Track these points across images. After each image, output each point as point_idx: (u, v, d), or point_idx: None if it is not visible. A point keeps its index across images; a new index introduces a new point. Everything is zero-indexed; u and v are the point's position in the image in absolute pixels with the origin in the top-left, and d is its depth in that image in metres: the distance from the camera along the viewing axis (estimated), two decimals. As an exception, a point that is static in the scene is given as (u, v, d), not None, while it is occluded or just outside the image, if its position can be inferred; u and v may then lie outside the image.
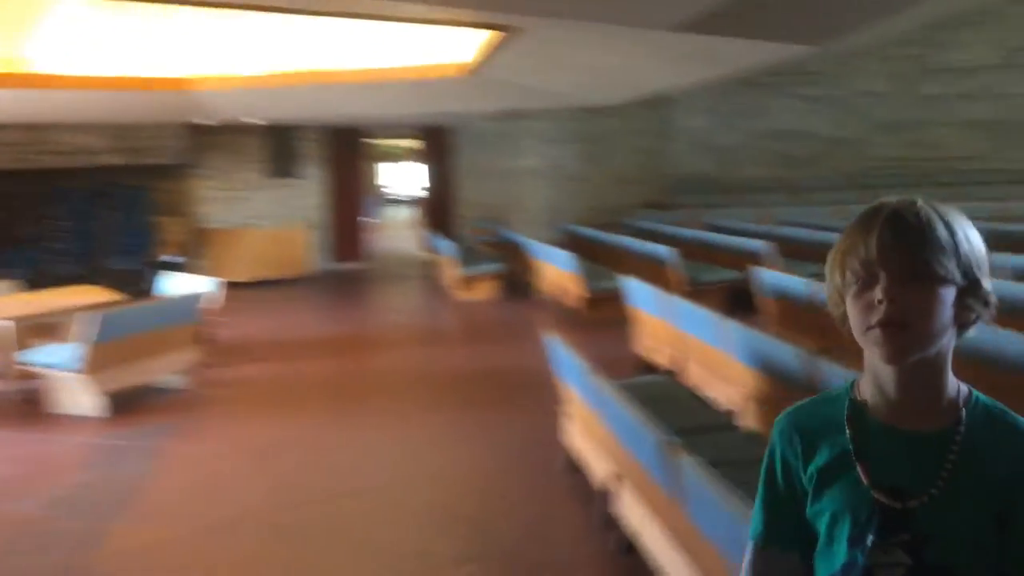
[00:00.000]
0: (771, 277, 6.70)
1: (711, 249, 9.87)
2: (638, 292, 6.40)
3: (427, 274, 13.28)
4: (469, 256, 11.43)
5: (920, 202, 1.13)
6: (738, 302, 8.16)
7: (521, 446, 5.32)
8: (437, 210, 15.28)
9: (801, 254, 9.10)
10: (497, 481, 4.84)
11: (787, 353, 4.01)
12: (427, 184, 15.92)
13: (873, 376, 1.17)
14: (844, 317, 1.16)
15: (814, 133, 14.62)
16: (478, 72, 6.86)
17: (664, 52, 6.20)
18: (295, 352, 8.35)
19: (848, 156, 14.48)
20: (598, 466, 4.01)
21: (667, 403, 4.27)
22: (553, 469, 4.76)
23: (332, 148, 14.65)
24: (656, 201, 14.91)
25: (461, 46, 6.81)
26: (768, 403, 4.37)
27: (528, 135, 14.87)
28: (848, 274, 1.12)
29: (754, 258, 8.41)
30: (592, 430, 4.12)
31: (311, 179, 14.54)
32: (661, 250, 8.75)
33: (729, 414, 4.44)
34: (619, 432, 3.48)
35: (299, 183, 14.42)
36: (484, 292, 10.75)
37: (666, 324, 5.84)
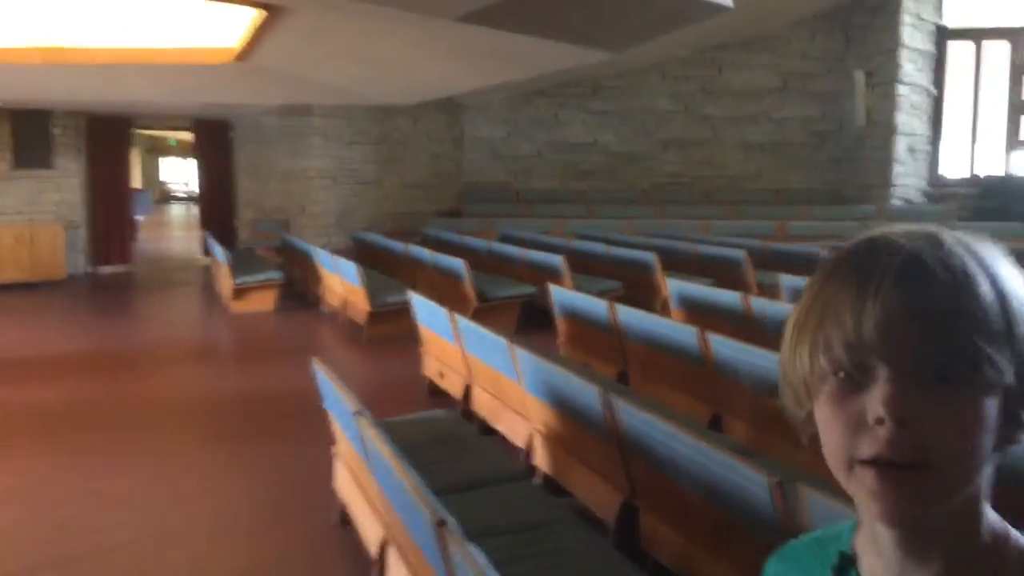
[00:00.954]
0: (562, 295, 6.37)
1: (505, 262, 9.52)
2: (424, 309, 5.84)
3: (204, 281, 12.08)
4: (246, 263, 10.44)
5: (947, 239, 0.64)
6: (534, 319, 7.84)
7: (297, 488, 4.59)
8: (214, 211, 14.02)
9: (593, 269, 8.95)
10: (267, 533, 4.10)
11: (580, 387, 3.59)
12: (200, 182, 14.51)
13: (866, 526, 0.70)
14: (808, 427, 0.70)
15: (605, 147, 14.79)
16: (248, 58, 6.05)
17: (456, 49, 5.72)
18: (33, 373, 7.08)
19: (638, 171, 14.75)
20: (368, 526, 3.40)
21: (450, 446, 3.73)
22: (330, 519, 4.08)
23: (94, 137, 13.04)
24: (450, 209, 14.51)
25: (228, 30, 5.98)
26: (559, 442, 3.95)
27: (317, 134, 14.01)
28: (822, 360, 0.64)
29: (549, 272, 8.12)
30: (361, 482, 3.50)
31: (69, 171, 12.88)
32: (453, 262, 8.27)
33: (518, 458, 3.97)
34: (388, 491, 2.89)
35: (53, 175, 12.74)
36: (262, 303, 9.81)
37: (454, 346, 5.33)
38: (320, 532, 4.03)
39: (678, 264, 8.83)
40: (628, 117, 14.67)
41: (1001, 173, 13.59)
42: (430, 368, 6.02)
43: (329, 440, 4.19)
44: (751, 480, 2.46)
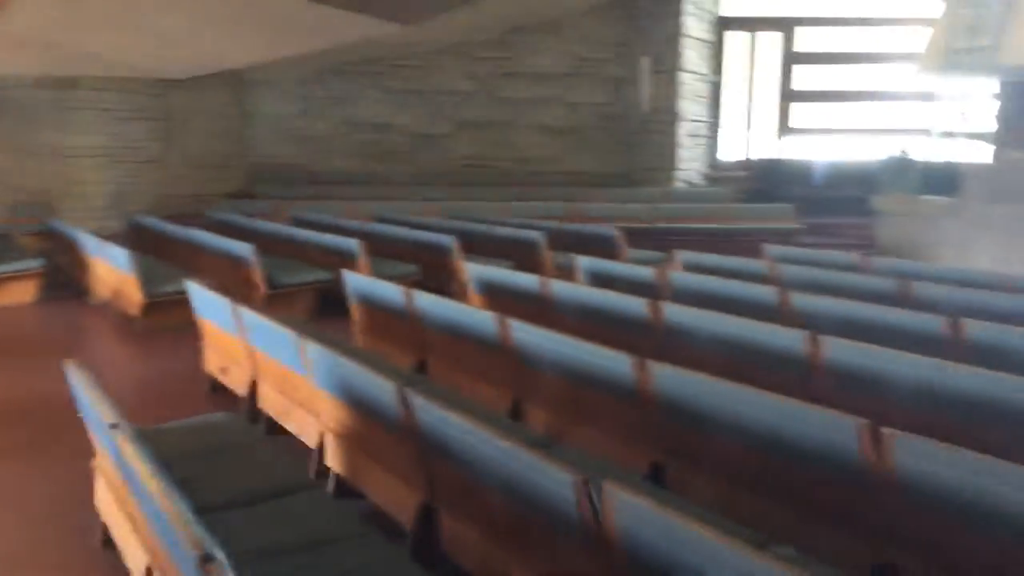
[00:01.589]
0: (358, 281, 6.06)
1: (298, 246, 9.02)
2: (202, 299, 5.35)
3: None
4: (0, 250, 9.29)
5: None
6: (333, 307, 7.45)
7: (57, 508, 4.02)
8: (-38, 193, 12.39)
9: (392, 253, 8.67)
10: (24, 563, 3.54)
11: (373, 382, 3.34)
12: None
13: None
14: None
15: (404, 127, 14.50)
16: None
17: (234, 16, 5.23)
18: None
19: (436, 153, 14.58)
20: (132, 551, 2.99)
21: (231, 455, 3.37)
22: (92, 541, 3.59)
23: None
24: (240, 191, 13.70)
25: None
26: (353, 442, 3.69)
27: (88, 107, 12.71)
28: None
29: (346, 257, 7.76)
30: (123, 500, 3.08)
31: None
32: (239, 247, 7.71)
33: (309, 462, 3.67)
34: (150, 517, 2.52)
35: None
36: (20, 295, 8.75)
37: (236, 339, 4.90)
38: (83, 558, 3.54)
39: (477, 247, 8.73)
40: (427, 98, 14.45)
41: (772, 157, 14.61)
42: (211, 363, 5.54)
43: (92, 452, 3.69)
44: (555, 479, 2.33)
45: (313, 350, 3.84)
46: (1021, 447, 2.94)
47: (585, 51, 14.40)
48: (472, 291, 6.61)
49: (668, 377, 3.36)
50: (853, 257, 6.57)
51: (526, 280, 5.92)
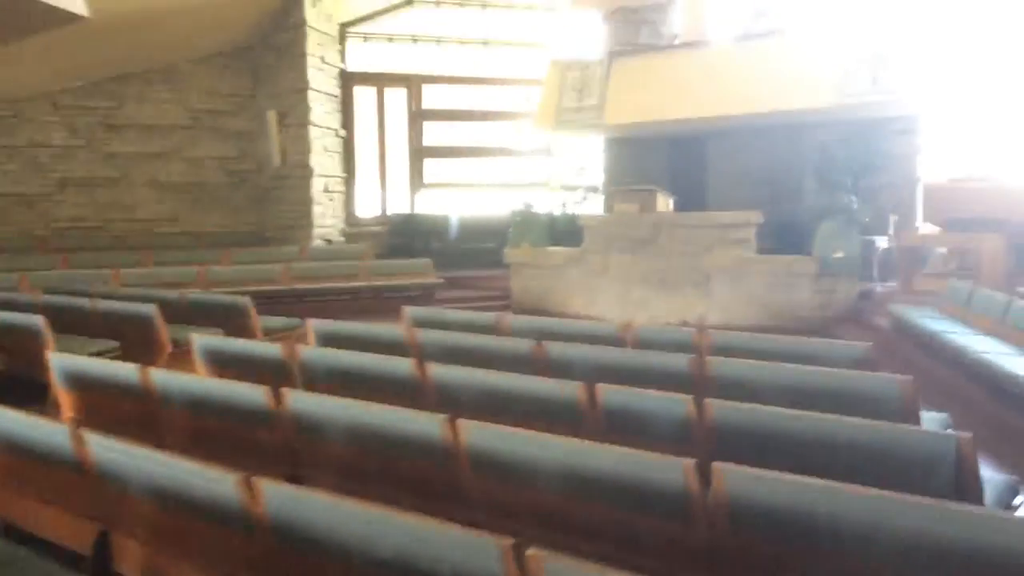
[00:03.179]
0: None
1: None
2: None
3: None
4: None
5: None
6: None
7: None
8: None
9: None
10: None
11: None
12: None
13: None
14: None
15: (-12, 187, 12.33)
16: None
17: None
18: None
19: (34, 214, 12.58)
20: None
21: None
22: None
23: None
24: None
25: None
26: None
27: None
28: None
29: None
30: None
31: None
32: None
33: None
34: None
35: None
36: None
37: None
38: None
39: (77, 326, 7.40)
40: (16, 153, 12.42)
41: (409, 212, 14.63)
42: None
43: None
44: None
45: None
46: (667, 536, 2.75)
47: (205, 103, 13.35)
48: (60, 388, 5.42)
49: (279, 498, 2.73)
50: (490, 317, 6.44)
51: (123, 371, 4.92)
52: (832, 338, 8.70)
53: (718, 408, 3.37)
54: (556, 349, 4.81)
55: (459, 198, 15.05)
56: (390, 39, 14.32)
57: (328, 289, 11.36)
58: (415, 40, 14.42)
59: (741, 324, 9.59)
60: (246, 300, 7.69)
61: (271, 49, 13.28)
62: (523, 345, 4.94)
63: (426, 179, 14.85)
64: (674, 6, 12.88)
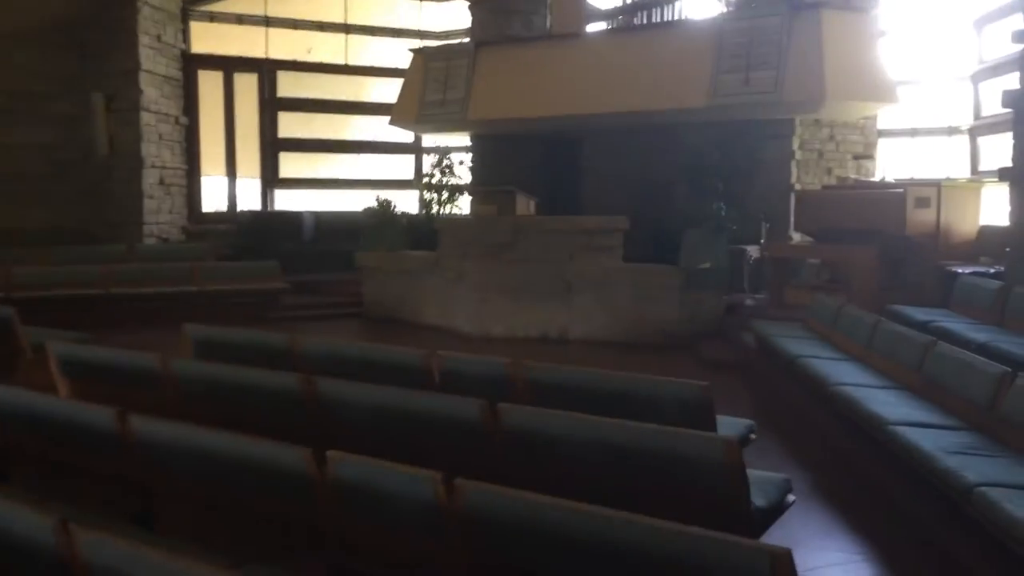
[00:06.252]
0: None
1: None
2: None
3: None
4: None
5: None
6: None
7: None
8: None
9: None
10: None
11: None
12: None
13: None
14: None
15: None
16: None
17: None
18: None
19: None
20: None
21: None
22: None
23: None
24: None
25: None
26: None
27: None
28: None
29: None
30: None
31: None
32: None
33: None
34: None
35: None
36: None
37: None
38: None
39: None
40: None
41: (260, 210, 13.40)
42: None
43: None
44: None
45: None
46: None
47: (21, 83, 11.79)
48: None
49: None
50: (283, 340, 5.38)
51: None
52: (697, 353, 8.06)
53: (473, 491, 2.47)
54: (330, 389, 3.84)
55: (319, 196, 13.90)
56: (239, 19, 13.05)
57: (154, 294, 10.08)
58: (268, 22, 13.19)
59: (604, 338, 8.85)
60: (6, 309, 6.39)
61: (100, 26, 11.82)
62: (291, 380, 3.94)
63: (282, 174, 13.64)
64: (547, -5, 12.10)
